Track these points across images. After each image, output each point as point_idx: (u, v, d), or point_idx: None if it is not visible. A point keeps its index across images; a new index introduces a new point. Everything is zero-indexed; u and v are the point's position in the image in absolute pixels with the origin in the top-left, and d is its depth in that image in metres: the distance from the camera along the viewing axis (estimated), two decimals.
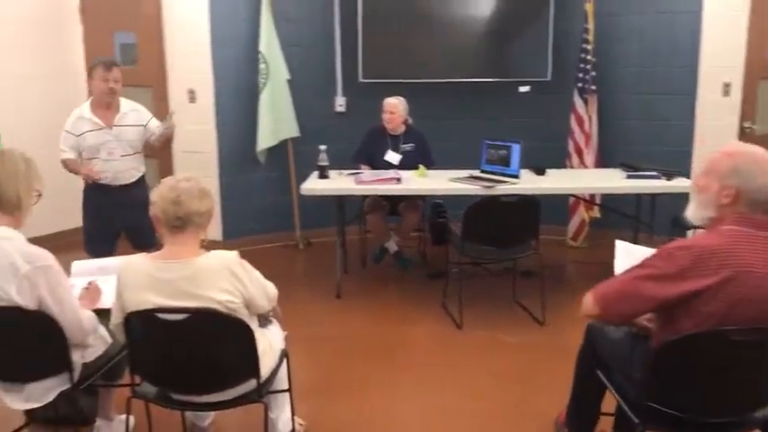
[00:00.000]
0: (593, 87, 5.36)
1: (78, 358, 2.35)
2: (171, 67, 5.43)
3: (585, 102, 5.38)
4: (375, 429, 2.94)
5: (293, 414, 2.65)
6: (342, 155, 4.89)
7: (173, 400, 2.31)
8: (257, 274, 2.30)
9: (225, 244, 5.19)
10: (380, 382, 3.36)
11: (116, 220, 3.93)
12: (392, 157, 4.93)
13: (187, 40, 5.36)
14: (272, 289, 2.41)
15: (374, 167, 4.83)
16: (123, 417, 2.48)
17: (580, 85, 5.38)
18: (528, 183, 4.37)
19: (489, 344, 3.79)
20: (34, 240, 2.26)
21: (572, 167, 5.45)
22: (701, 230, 2.10)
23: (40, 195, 2.38)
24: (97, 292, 2.64)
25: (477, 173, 4.56)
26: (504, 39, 5.70)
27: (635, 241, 4.29)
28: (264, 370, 2.28)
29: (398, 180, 4.35)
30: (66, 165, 3.83)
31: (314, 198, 4.62)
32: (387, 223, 5.00)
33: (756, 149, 1.97)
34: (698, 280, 1.86)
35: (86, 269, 2.85)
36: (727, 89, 5.11)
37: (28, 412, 2.57)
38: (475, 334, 3.90)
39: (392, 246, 5.03)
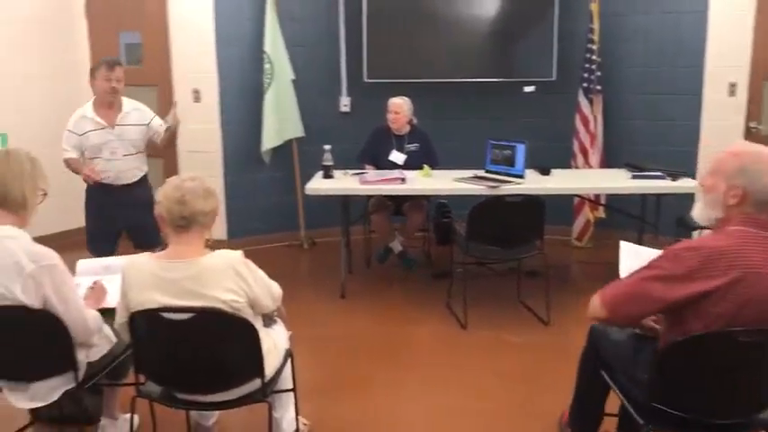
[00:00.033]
0: (599, 87, 5.35)
1: (83, 357, 2.35)
2: (176, 66, 5.44)
3: (590, 102, 5.37)
4: (379, 429, 2.93)
5: (297, 414, 2.64)
6: (346, 155, 4.89)
7: (177, 400, 2.31)
8: (262, 273, 2.30)
9: (229, 243, 5.20)
10: (385, 381, 3.36)
11: (118, 219, 3.93)
12: (397, 157, 4.92)
13: (192, 39, 5.37)
14: (276, 289, 2.41)
15: (379, 167, 4.83)
16: (128, 416, 2.48)
17: (585, 85, 5.37)
18: (533, 183, 4.36)
19: (494, 344, 3.78)
20: (39, 239, 2.26)
21: (577, 167, 5.44)
22: (707, 231, 2.09)
23: (45, 195, 2.38)
24: (102, 291, 2.65)
25: (481, 173, 4.56)
26: (509, 39, 5.70)
27: (640, 242, 4.28)
28: (269, 369, 2.28)
29: (403, 180, 4.35)
30: (69, 164, 3.83)
31: (318, 198, 4.62)
32: (391, 223, 5.00)
33: (762, 149, 1.96)
34: (706, 281, 1.86)
35: (91, 268, 2.86)
36: (732, 89, 5.10)
37: (33, 411, 2.58)
38: (479, 334, 3.89)
39: (397, 246, 5.03)
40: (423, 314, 4.22)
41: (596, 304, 2.05)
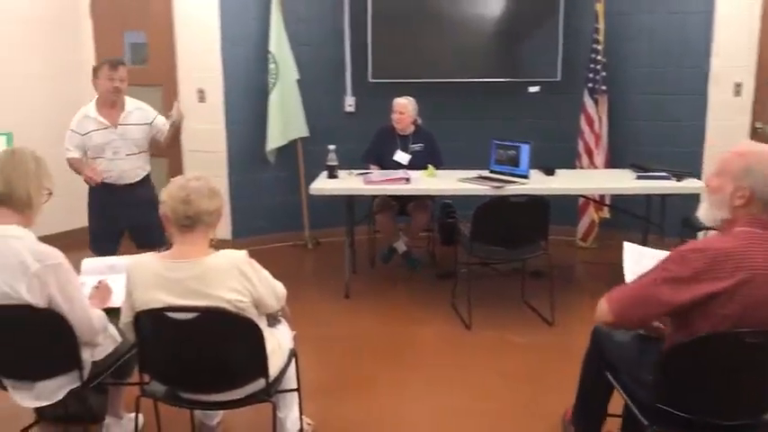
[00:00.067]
0: (604, 87, 5.34)
1: (88, 356, 2.35)
2: (181, 66, 5.45)
3: (596, 102, 5.36)
4: (383, 429, 2.93)
5: (301, 413, 2.65)
6: (351, 155, 4.89)
7: (182, 399, 2.31)
8: (266, 273, 2.30)
9: (234, 243, 5.20)
10: (389, 381, 3.35)
11: (120, 219, 3.94)
12: (401, 157, 4.92)
13: (197, 39, 5.38)
14: (280, 288, 2.41)
15: (383, 167, 4.83)
16: (132, 415, 2.49)
17: (590, 85, 5.36)
18: (537, 183, 4.35)
19: (498, 344, 3.78)
20: (44, 239, 2.27)
21: (582, 168, 5.42)
22: (712, 232, 2.08)
23: (50, 194, 2.38)
24: (107, 290, 2.65)
25: (486, 173, 4.55)
26: (514, 39, 5.69)
27: (645, 242, 4.27)
28: (273, 369, 2.28)
29: (407, 180, 4.35)
30: (71, 164, 3.84)
31: (323, 198, 4.62)
32: (396, 223, 5.00)
33: (767, 149, 1.95)
34: (713, 283, 1.85)
35: (96, 267, 2.87)
36: (738, 89, 5.08)
37: (38, 410, 2.59)
38: (484, 334, 3.89)
39: (401, 246, 5.03)
40: (427, 314, 4.22)
41: (603, 308, 2.04)
